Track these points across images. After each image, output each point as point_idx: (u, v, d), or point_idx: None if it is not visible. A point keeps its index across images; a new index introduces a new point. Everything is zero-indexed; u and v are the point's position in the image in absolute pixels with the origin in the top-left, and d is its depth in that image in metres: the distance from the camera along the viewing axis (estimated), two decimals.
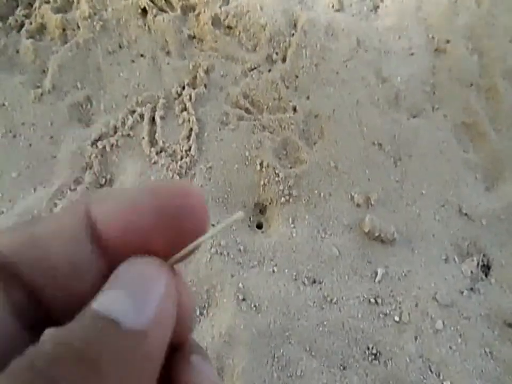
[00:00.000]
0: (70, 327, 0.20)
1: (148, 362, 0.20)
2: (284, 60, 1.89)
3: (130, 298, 0.21)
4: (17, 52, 1.81)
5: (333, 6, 2.28)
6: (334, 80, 1.85)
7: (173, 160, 1.45)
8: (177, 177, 1.41)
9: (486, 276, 1.29)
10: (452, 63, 2.03)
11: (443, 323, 1.14)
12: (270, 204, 1.39)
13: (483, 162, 1.62)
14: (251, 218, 1.37)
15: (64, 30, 1.86)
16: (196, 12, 2.09)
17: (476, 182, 1.56)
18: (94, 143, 1.48)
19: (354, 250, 1.27)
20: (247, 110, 1.68)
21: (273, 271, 1.23)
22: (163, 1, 2.11)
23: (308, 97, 1.75)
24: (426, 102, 1.84)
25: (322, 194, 1.39)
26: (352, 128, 1.65)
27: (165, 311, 0.22)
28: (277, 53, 1.93)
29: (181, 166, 1.43)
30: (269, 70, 1.84)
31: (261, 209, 1.41)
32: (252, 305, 1.15)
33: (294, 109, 1.69)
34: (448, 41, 2.15)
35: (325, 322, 1.13)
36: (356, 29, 2.18)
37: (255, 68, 1.84)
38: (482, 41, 2.12)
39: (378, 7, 2.35)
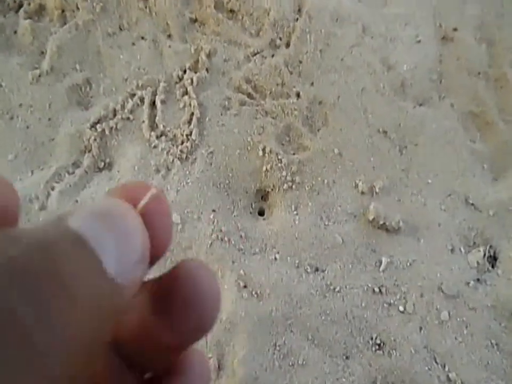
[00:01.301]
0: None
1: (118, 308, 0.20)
2: (287, 45, 1.85)
3: (115, 243, 0.19)
4: (15, 32, 1.77)
5: None
6: (339, 66, 1.81)
7: (173, 145, 1.42)
8: (178, 162, 1.37)
9: (492, 267, 1.26)
10: (460, 52, 1.99)
11: (449, 314, 1.12)
12: (272, 190, 1.36)
13: (491, 153, 1.59)
14: (253, 205, 1.34)
15: (63, 11, 1.81)
16: None
17: (483, 172, 1.52)
18: (93, 126, 1.44)
19: (358, 239, 1.24)
20: (249, 95, 1.64)
21: (275, 258, 1.20)
22: None
23: (312, 84, 1.71)
24: (433, 90, 1.80)
25: (326, 181, 1.36)
26: (357, 116, 1.61)
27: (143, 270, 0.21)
28: (280, 38, 1.88)
29: (181, 151, 1.40)
30: (272, 55, 1.80)
31: (263, 195, 1.38)
32: (253, 293, 1.12)
33: (298, 95, 1.65)
34: (456, 30, 2.10)
35: (327, 311, 1.11)
36: (362, 15, 2.13)
37: (258, 53, 1.80)
38: (491, 31, 2.07)
39: None
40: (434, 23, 2.11)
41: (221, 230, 1.22)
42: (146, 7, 1.93)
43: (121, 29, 1.82)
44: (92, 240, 0.19)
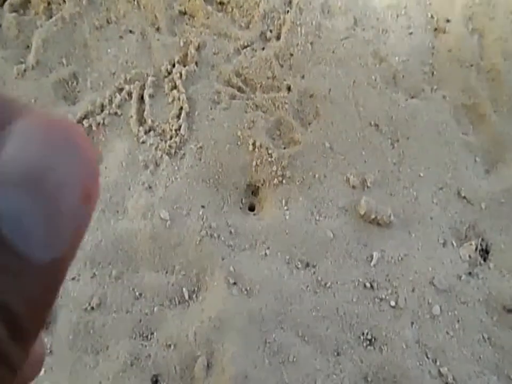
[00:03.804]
0: None
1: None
2: (278, 38, 1.82)
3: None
4: (0, 26, 1.73)
5: None
6: (330, 59, 1.79)
7: (162, 140, 1.39)
8: (167, 157, 1.35)
9: (484, 260, 1.26)
10: (452, 43, 1.97)
11: (440, 308, 1.11)
12: (262, 185, 1.34)
13: (483, 145, 1.58)
14: (243, 200, 1.32)
15: (49, 4, 1.78)
16: None
17: (476, 164, 1.51)
18: (79, 121, 1.41)
19: (350, 233, 1.23)
20: (239, 89, 1.62)
21: (266, 254, 1.18)
22: None
23: (303, 76, 1.69)
24: (425, 82, 1.78)
25: (317, 175, 1.34)
26: (348, 109, 1.59)
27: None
28: (271, 31, 1.85)
29: (170, 146, 1.38)
30: (263, 48, 1.77)
31: (253, 190, 1.36)
32: (243, 289, 1.11)
33: (288, 88, 1.62)
34: (448, 21, 2.08)
35: (318, 307, 1.09)
36: (353, 6, 2.10)
37: (248, 46, 1.77)
38: (483, 22, 2.05)
39: None
40: (427, 15, 2.09)
41: (210, 226, 1.21)
42: (134, 0, 1.89)
43: (108, 22, 1.79)
44: None
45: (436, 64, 1.87)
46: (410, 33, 2.01)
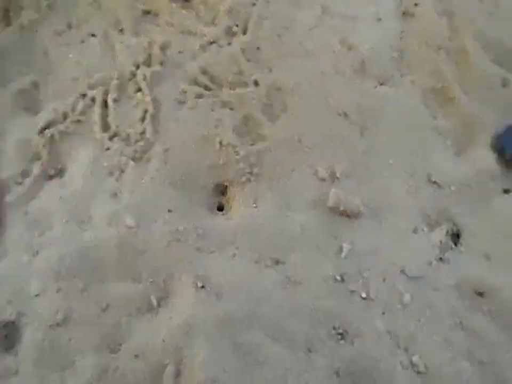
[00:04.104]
0: None
1: None
2: (244, 32, 1.79)
3: None
4: None
5: None
6: (298, 50, 1.76)
7: (127, 145, 1.37)
8: (132, 162, 1.33)
9: (455, 244, 1.25)
10: (421, 27, 1.94)
11: (411, 296, 1.11)
12: (231, 184, 1.33)
13: (453, 128, 1.57)
14: (211, 201, 1.31)
15: (7, 10, 1.74)
16: None
17: (446, 148, 1.51)
18: (41, 131, 1.39)
19: (319, 227, 1.22)
20: (206, 87, 1.59)
21: (234, 254, 1.17)
22: None
23: (271, 70, 1.67)
24: (394, 68, 1.76)
25: (285, 170, 1.33)
26: (317, 100, 1.57)
27: None
28: (237, 25, 1.83)
29: (135, 150, 1.36)
30: (229, 43, 1.75)
31: (222, 190, 1.35)
32: (212, 293, 1.10)
33: (256, 83, 1.60)
34: (416, 4, 2.05)
35: (288, 305, 1.09)
36: None
37: (214, 42, 1.75)
38: (452, 3, 2.02)
39: None
40: (395, 0, 2.05)
41: (177, 230, 1.19)
42: (95, 2, 1.85)
43: (69, 27, 1.75)
44: None
45: (405, 49, 1.85)
46: (379, 19, 1.98)
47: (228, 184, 1.34)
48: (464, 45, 1.84)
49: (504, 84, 1.72)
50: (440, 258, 1.20)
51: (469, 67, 1.77)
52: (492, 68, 1.75)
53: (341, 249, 1.20)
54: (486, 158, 1.47)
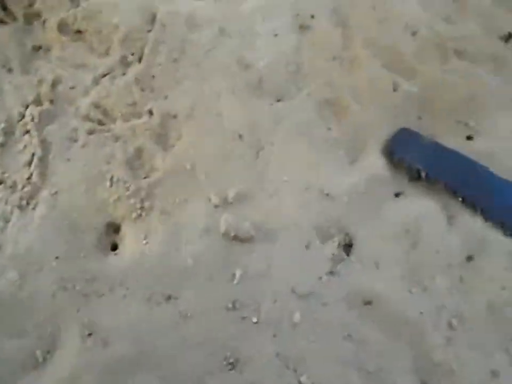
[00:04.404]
0: None
1: None
2: (140, 60, 1.79)
3: None
4: None
5: None
6: (194, 73, 1.77)
7: (12, 192, 1.33)
8: (18, 211, 1.29)
9: (348, 255, 1.30)
10: (316, 39, 2.00)
11: (301, 315, 1.13)
12: (122, 221, 1.32)
13: (346, 137, 1.62)
14: (103, 241, 1.29)
15: None
16: (42, 19, 1.92)
17: (339, 159, 1.55)
18: None
19: (212, 256, 1.23)
20: (99, 122, 1.57)
21: (125, 295, 1.16)
22: (2, 12, 1.92)
23: (166, 97, 1.67)
24: (291, 83, 1.80)
25: (177, 200, 1.34)
26: (212, 124, 1.59)
27: None
28: (132, 54, 1.82)
29: (21, 197, 1.32)
30: (124, 74, 1.73)
31: (115, 228, 1.33)
32: (99, 339, 1.08)
33: (150, 113, 1.60)
34: (312, 17, 2.10)
35: (180, 341, 1.09)
36: (219, 15, 2.10)
37: (107, 74, 1.73)
38: (346, 13, 2.08)
39: None
40: (292, 13, 2.09)
41: (63, 278, 1.17)
42: None
43: None
44: None
45: (301, 62, 1.89)
46: (276, 35, 2.02)
47: (120, 221, 1.32)
48: (357, 54, 1.90)
49: (395, 88, 1.79)
50: (331, 272, 1.23)
51: (362, 75, 1.83)
52: (383, 74, 1.82)
53: (233, 276, 1.21)
54: (377, 164, 1.53)
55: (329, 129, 1.65)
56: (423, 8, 2.06)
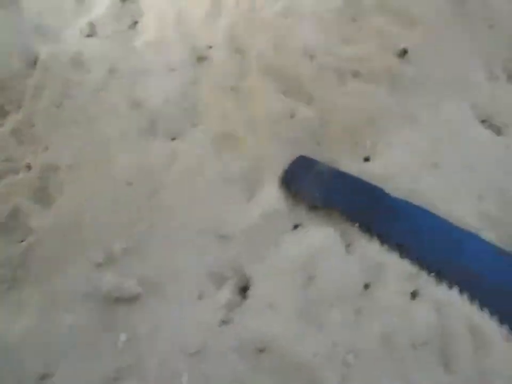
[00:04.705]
0: None
1: None
2: (18, 109, 1.67)
3: None
4: None
5: (82, 32, 2.09)
6: (80, 118, 1.68)
7: None
8: None
9: (244, 298, 1.25)
10: (214, 70, 1.95)
11: (189, 375, 1.07)
12: None
13: (243, 173, 1.58)
14: None
15: None
16: None
17: (236, 195, 1.51)
18: None
19: (93, 322, 1.14)
20: None
21: None
22: None
23: (47, 148, 1.56)
24: (186, 119, 1.75)
25: (55, 265, 1.23)
26: (99, 173, 1.50)
27: None
28: (11, 102, 1.70)
29: None
30: (1, 125, 1.61)
31: None
32: None
33: (29, 167, 1.49)
34: (210, 47, 2.06)
35: None
36: (110, 52, 2.02)
37: None
38: (245, 40, 2.05)
39: (137, 22, 2.21)
40: (189, 45, 2.04)
41: None
42: None
43: None
44: None
45: (197, 96, 1.85)
46: (172, 70, 1.96)
47: None
48: (254, 82, 1.87)
49: (292, 115, 1.77)
50: (224, 321, 1.18)
51: (258, 104, 1.80)
52: (280, 101, 1.79)
53: (117, 341, 1.12)
54: (274, 198, 1.49)
55: (226, 164, 1.61)
56: (322, 30, 2.02)
